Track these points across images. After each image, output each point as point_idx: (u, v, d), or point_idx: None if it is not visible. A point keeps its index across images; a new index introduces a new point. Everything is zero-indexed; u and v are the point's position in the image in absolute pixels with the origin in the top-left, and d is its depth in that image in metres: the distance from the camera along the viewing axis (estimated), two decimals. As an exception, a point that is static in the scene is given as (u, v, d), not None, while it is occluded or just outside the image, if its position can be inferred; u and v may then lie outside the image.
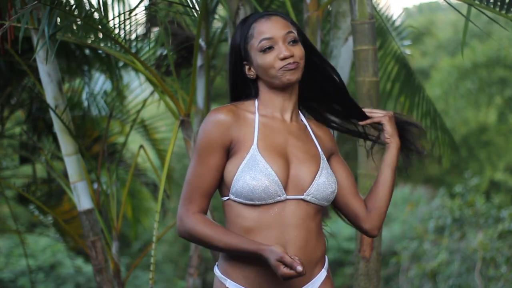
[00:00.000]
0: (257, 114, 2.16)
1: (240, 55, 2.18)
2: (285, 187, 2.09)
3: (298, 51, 2.14)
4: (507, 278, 6.80)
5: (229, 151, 2.11)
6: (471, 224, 7.76)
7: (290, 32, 2.14)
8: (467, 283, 7.58)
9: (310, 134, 2.22)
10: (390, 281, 10.23)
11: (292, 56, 2.12)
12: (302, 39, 2.20)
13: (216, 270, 2.15)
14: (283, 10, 4.66)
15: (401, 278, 9.15)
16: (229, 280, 2.11)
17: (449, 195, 8.91)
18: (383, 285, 10.13)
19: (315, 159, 2.16)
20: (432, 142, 4.96)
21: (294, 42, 2.15)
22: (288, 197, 2.09)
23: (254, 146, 2.09)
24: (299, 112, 2.26)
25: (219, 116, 2.10)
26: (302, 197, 2.10)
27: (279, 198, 2.07)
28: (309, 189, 2.11)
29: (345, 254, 11.59)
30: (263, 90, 2.20)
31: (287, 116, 2.19)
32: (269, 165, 2.06)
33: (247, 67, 2.18)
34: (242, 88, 2.22)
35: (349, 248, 11.46)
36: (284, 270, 1.94)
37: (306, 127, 2.24)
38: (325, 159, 2.19)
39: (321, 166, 2.15)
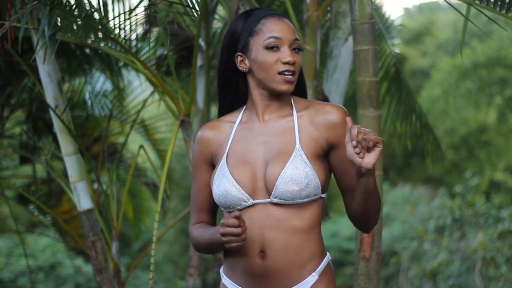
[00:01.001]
0: (236, 123, 2.20)
1: (236, 45, 2.17)
2: (253, 192, 2.11)
3: (299, 60, 2.14)
4: (507, 278, 6.80)
5: (213, 165, 2.23)
6: (471, 224, 7.75)
7: (297, 39, 2.15)
8: (467, 283, 7.58)
9: (292, 127, 2.15)
10: (390, 281, 10.23)
11: (293, 63, 2.11)
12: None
13: (222, 267, 2.25)
14: (283, 10, 4.66)
15: (401, 278, 9.15)
16: (225, 276, 2.20)
17: (449, 195, 8.92)
18: (383, 285, 10.13)
19: (285, 155, 2.10)
20: (416, 139, 4.98)
21: (298, 50, 2.15)
22: (255, 201, 2.11)
23: (224, 156, 2.16)
24: (292, 104, 2.20)
25: (200, 134, 2.25)
26: (269, 200, 2.10)
27: (245, 203, 2.11)
28: (273, 191, 2.09)
29: (345, 254, 11.60)
30: (252, 86, 2.19)
31: (268, 117, 2.18)
32: (230, 173, 2.12)
33: (239, 58, 2.17)
34: (231, 80, 2.21)
35: (349, 248, 11.46)
36: (222, 229, 1.99)
37: (291, 120, 2.16)
38: (302, 152, 2.09)
39: (289, 161, 2.08)
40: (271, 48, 2.11)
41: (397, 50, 5.32)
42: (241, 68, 2.17)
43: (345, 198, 2.18)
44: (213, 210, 2.27)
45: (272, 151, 2.13)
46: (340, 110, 2.15)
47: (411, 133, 4.93)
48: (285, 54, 2.11)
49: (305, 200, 2.09)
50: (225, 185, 2.11)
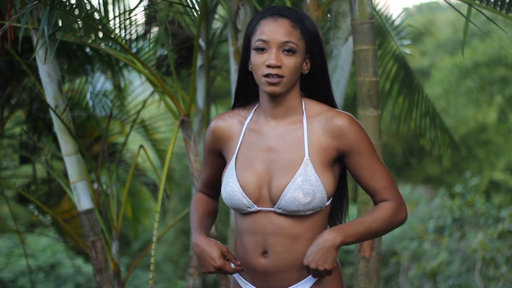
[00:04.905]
0: (246, 123, 2.21)
1: (249, 43, 2.17)
2: (258, 199, 2.13)
3: (290, 62, 2.09)
4: (507, 278, 6.79)
5: (223, 156, 2.28)
6: (471, 224, 7.74)
7: (289, 41, 2.09)
8: (467, 283, 7.57)
9: (302, 136, 2.14)
10: (390, 281, 10.22)
11: (278, 66, 2.07)
12: (312, 49, 2.15)
13: None
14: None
15: (401, 278, 9.15)
16: None
17: (449, 195, 8.91)
18: (383, 285, 10.13)
19: (293, 167, 2.11)
20: (431, 141, 4.96)
21: (291, 52, 2.09)
22: (260, 208, 2.14)
23: (233, 159, 2.18)
24: (303, 108, 2.18)
25: (214, 125, 2.27)
26: (272, 209, 2.13)
27: (250, 209, 2.14)
28: (278, 202, 2.11)
29: (345, 254, 11.59)
30: (259, 87, 2.20)
31: (275, 122, 2.17)
32: (237, 179, 2.14)
33: (249, 59, 2.18)
34: (249, 80, 2.22)
35: (349, 248, 11.44)
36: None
37: (300, 127, 2.15)
38: (310, 164, 2.10)
39: (296, 174, 2.09)
40: (259, 49, 2.10)
41: (407, 50, 5.30)
42: (249, 68, 2.18)
43: (370, 196, 2.24)
44: (216, 188, 2.36)
45: (280, 161, 2.13)
46: (348, 118, 2.14)
47: (430, 137, 4.90)
48: (270, 56, 2.08)
49: (308, 212, 2.12)
50: (232, 188, 2.14)
